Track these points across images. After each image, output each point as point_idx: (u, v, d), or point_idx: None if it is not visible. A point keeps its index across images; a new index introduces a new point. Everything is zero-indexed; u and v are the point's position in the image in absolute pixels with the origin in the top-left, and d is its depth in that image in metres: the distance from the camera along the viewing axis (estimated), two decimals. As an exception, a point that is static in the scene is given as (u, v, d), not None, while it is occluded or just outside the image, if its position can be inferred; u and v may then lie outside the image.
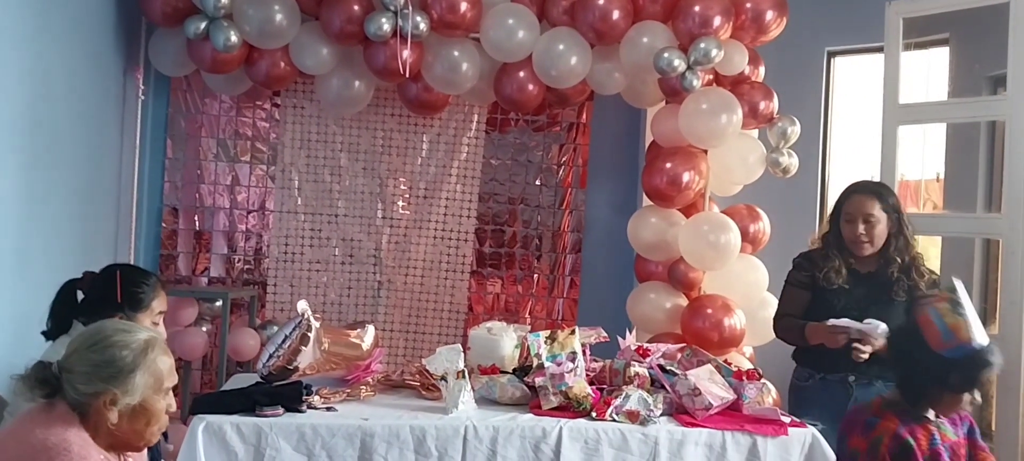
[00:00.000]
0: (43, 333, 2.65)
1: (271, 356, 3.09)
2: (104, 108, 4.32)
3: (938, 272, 3.42)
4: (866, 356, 3.05)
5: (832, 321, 3.10)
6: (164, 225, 5.04)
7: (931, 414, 2.61)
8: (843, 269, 3.24)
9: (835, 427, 3.00)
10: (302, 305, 3.13)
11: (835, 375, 3.24)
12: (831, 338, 3.11)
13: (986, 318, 4.10)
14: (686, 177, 4.14)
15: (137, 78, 4.68)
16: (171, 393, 1.99)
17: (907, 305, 3.13)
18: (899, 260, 3.20)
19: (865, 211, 3.19)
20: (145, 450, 2.07)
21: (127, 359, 1.88)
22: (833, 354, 3.15)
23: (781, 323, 3.39)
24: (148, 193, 4.93)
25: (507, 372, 3.29)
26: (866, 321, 3.05)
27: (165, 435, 2.69)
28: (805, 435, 2.99)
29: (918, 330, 2.60)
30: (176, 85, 4.97)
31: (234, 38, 4.10)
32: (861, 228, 3.19)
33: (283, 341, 3.07)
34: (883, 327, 3.01)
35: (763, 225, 4.28)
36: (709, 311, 4.07)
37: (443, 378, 3.13)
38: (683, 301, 4.28)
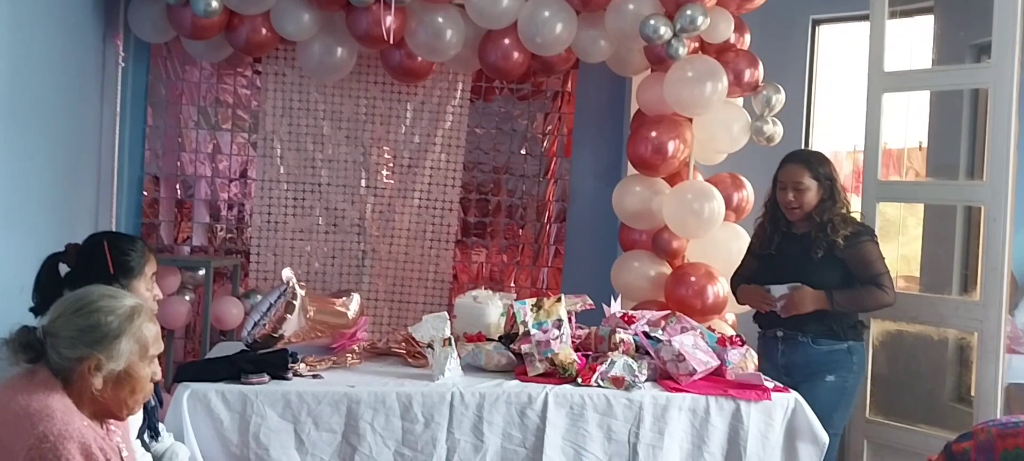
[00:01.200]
0: (31, 309, 2.62)
1: (256, 324, 3.08)
2: (84, 75, 4.26)
3: (866, 222, 3.60)
4: (765, 310, 3.45)
5: (743, 287, 3.52)
6: (145, 193, 4.99)
7: None
8: (776, 236, 3.50)
9: (773, 377, 3.19)
10: (287, 273, 3.12)
11: (769, 331, 3.52)
12: (752, 300, 3.50)
13: (967, 284, 4.15)
14: (671, 145, 4.14)
15: (117, 45, 4.62)
16: (156, 361, 1.98)
17: (825, 259, 3.35)
18: (819, 219, 3.40)
19: (794, 180, 3.42)
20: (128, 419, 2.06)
21: (112, 324, 1.86)
22: (768, 314, 3.46)
23: (731, 284, 3.72)
24: (128, 161, 4.87)
25: (493, 340, 3.30)
26: (769, 287, 3.39)
27: (160, 400, 2.68)
28: (788, 400, 3.03)
29: None
30: (156, 52, 4.90)
31: (214, 3, 4.05)
32: (790, 196, 3.42)
33: (268, 309, 3.07)
34: (782, 290, 3.34)
35: (747, 193, 4.29)
36: (693, 279, 4.09)
37: (429, 345, 3.14)
38: (667, 269, 4.30)
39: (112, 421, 1.97)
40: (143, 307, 1.94)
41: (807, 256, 3.38)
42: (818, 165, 3.42)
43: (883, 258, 3.42)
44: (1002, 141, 3.51)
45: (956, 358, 4.27)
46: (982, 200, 3.62)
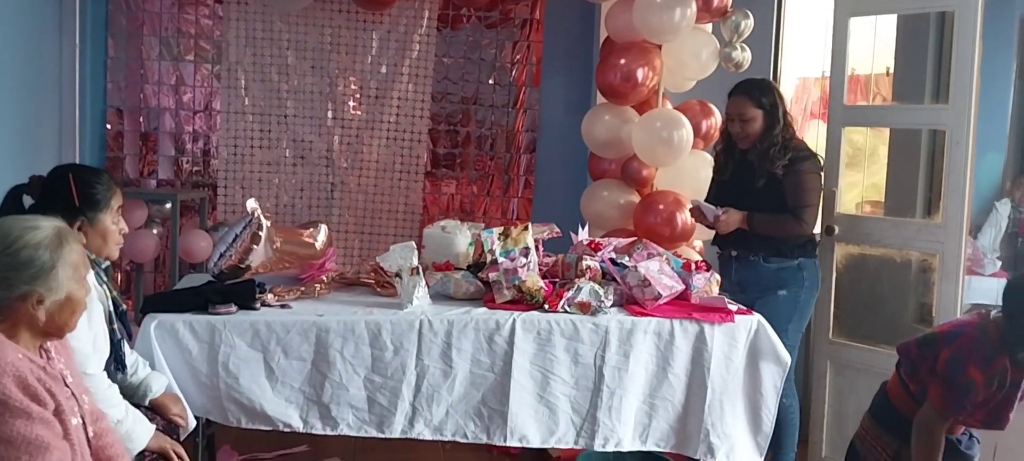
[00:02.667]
0: None
1: (222, 255, 3.07)
2: (40, 6, 4.15)
3: (815, 150, 3.67)
4: (707, 226, 3.62)
5: (693, 202, 3.66)
6: (109, 126, 4.92)
7: None
8: (730, 163, 3.65)
9: (729, 294, 3.34)
10: (251, 203, 3.10)
11: (725, 251, 3.69)
12: (695, 217, 3.68)
13: (931, 208, 4.21)
14: (640, 73, 4.12)
15: (73, -26, 4.51)
16: (86, 277, 1.97)
17: (766, 187, 3.49)
18: (760, 146, 3.52)
19: (738, 111, 3.55)
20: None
21: (45, 257, 1.84)
22: (723, 235, 3.61)
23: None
24: (90, 94, 4.79)
25: (461, 269, 3.31)
26: (699, 204, 3.59)
27: (129, 333, 2.67)
28: (751, 322, 3.08)
29: None
30: (115, -19, 4.80)
31: (173, -70, 3.95)
32: (737, 126, 3.57)
33: (233, 240, 3.05)
34: (713, 209, 3.53)
35: (715, 120, 4.29)
36: (661, 207, 4.11)
37: (397, 275, 3.15)
38: (636, 198, 4.31)
39: (53, 348, 1.96)
40: (66, 230, 1.92)
41: (750, 184, 3.53)
42: (761, 94, 3.52)
43: (817, 189, 3.55)
44: (966, 64, 3.52)
45: (918, 280, 4.33)
46: (946, 124, 3.65)
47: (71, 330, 1.97)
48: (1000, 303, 2.66)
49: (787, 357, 3.07)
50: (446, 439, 3.03)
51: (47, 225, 1.90)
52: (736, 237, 3.57)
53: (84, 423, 1.93)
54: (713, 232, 3.72)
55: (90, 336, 2.38)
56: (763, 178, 3.50)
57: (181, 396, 2.77)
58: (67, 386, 1.92)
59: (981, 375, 2.58)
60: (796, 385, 3.66)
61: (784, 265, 3.53)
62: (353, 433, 2.96)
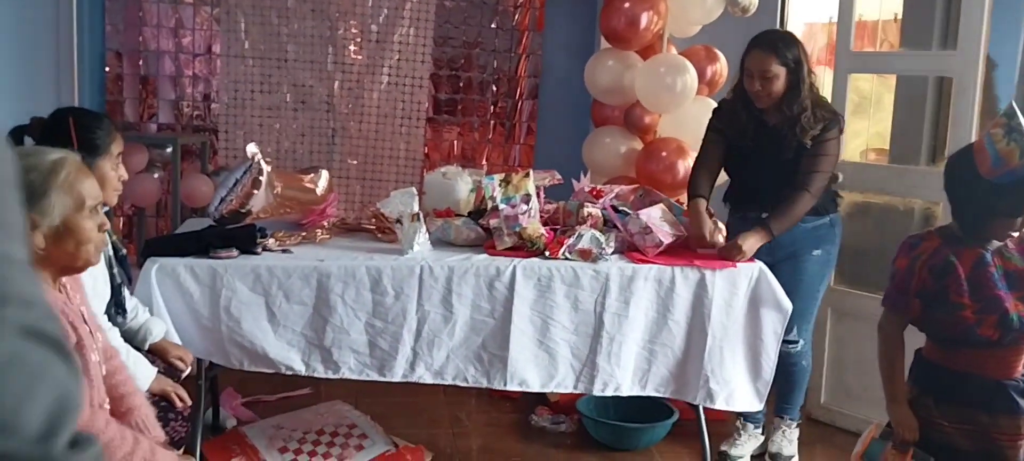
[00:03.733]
0: None
1: (223, 200, 3.06)
2: (34, -55, 4.09)
3: (838, 111, 3.42)
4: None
5: (702, 225, 3.18)
6: (108, 70, 4.88)
7: (992, 245, 2.43)
8: (750, 125, 3.28)
9: (756, 256, 3.15)
10: (252, 148, 3.08)
11: (752, 213, 3.31)
12: (694, 230, 3.19)
13: (936, 154, 4.18)
14: (644, 18, 4.07)
15: (68, -86, 4.43)
16: (100, 212, 1.94)
17: (794, 160, 3.19)
18: (788, 113, 3.20)
19: (761, 68, 3.17)
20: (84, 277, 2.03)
21: (37, 181, 1.83)
22: (751, 197, 3.33)
23: (692, 175, 3.45)
24: (89, 37, 4.74)
25: (462, 215, 3.30)
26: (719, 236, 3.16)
27: (129, 277, 2.67)
28: (752, 269, 3.07)
29: (972, 157, 2.40)
30: (111, -79, 4.72)
31: None
32: (757, 85, 3.19)
33: (234, 185, 3.04)
34: (719, 239, 3.14)
35: (721, 66, 4.25)
36: (664, 154, 4.09)
37: (398, 221, 3.14)
38: (638, 145, 4.28)
39: (69, 284, 1.95)
40: (67, 159, 1.89)
41: (778, 158, 3.23)
42: (786, 49, 3.18)
43: (835, 155, 3.28)
44: (975, 9, 3.47)
45: (921, 228, 4.32)
46: (952, 70, 3.61)
47: (87, 263, 1.94)
48: None
49: (788, 304, 3.07)
50: (447, 383, 3.05)
51: (49, 154, 1.88)
52: (765, 198, 3.25)
53: (99, 361, 1.94)
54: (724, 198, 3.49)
55: (90, 280, 2.38)
56: (791, 151, 3.20)
57: (180, 342, 2.78)
58: (86, 323, 1.93)
59: (905, 260, 2.46)
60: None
61: (819, 223, 3.33)
62: (355, 376, 2.98)
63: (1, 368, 0.65)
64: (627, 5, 4.06)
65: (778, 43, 3.22)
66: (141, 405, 2.12)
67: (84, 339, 1.87)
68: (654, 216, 3.14)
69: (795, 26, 4.59)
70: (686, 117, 4.14)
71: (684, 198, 3.92)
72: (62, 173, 1.86)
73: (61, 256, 1.88)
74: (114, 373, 2.07)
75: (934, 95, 4.28)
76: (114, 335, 2.42)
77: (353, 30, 4.92)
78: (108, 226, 1.97)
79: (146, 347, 2.69)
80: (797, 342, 3.41)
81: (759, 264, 3.10)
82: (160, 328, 2.74)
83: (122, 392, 2.09)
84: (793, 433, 3.57)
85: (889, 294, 2.52)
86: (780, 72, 3.17)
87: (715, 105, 3.59)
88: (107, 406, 1.94)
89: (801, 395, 3.57)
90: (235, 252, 2.89)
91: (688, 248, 3.19)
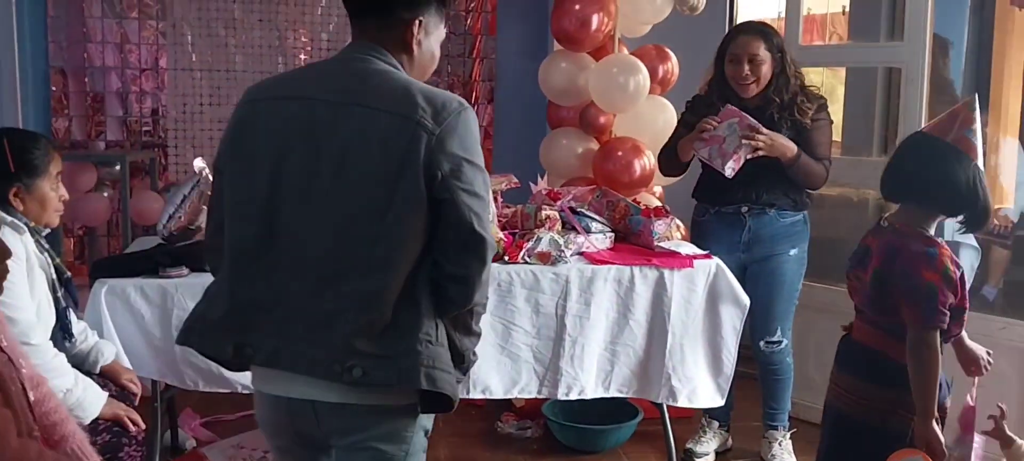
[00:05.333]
0: None
1: (171, 217, 3.00)
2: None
3: (827, 97, 3.44)
4: (763, 142, 3.11)
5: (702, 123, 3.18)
6: (53, 88, 4.77)
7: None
8: None
9: (731, 256, 3.11)
10: (199, 163, 3.03)
11: (729, 207, 3.33)
12: (696, 137, 3.20)
13: (887, 145, 4.23)
14: (595, 19, 4.06)
15: (6, -70, 4.33)
16: None
17: (793, 139, 3.20)
18: (778, 99, 3.24)
19: (750, 51, 3.20)
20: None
21: None
22: (728, 189, 3.24)
23: (662, 155, 3.49)
24: (32, 55, 4.63)
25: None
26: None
27: (75, 301, 2.61)
28: (710, 266, 3.08)
29: (961, 150, 2.22)
30: (51, -63, 4.62)
31: None
32: (746, 69, 3.21)
33: (182, 201, 2.98)
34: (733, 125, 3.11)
35: (672, 65, 4.25)
36: (619, 153, 4.08)
37: (353, 230, 3.09)
38: (595, 145, 4.28)
39: None
40: None
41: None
42: (772, 36, 3.25)
43: (832, 139, 3.36)
44: (920, 1, 3.52)
45: (876, 218, 4.37)
46: (901, 61, 3.65)
47: None
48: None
49: (746, 299, 3.08)
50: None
51: None
52: (744, 191, 3.26)
53: (24, 389, 1.87)
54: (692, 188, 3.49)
55: (33, 305, 2.32)
56: (787, 129, 3.22)
57: (130, 366, 2.72)
58: (3, 351, 1.86)
59: (934, 274, 2.19)
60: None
61: (796, 219, 3.34)
62: (313, 392, 2.92)
63: None
64: (577, 7, 4.05)
65: (765, 29, 3.28)
66: (74, 432, 2.05)
67: (1, 370, 1.80)
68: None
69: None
70: (640, 116, 4.14)
71: (642, 197, 3.94)
72: None
73: None
74: (43, 402, 2.01)
75: (884, 86, 4.33)
76: (60, 361, 2.36)
77: (303, 39, 4.86)
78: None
79: (97, 370, 2.63)
80: (780, 342, 3.40)
81: (716, 261, 3.10)
82: (111, 350, 2.67)
83: (53, 420, 2.02)
84: (788, 442, 3.50)
85: (929, 313, 2.18)
86: (767, 57, 3.21)
87: (672, 106, 3.61)
88: (37, 434, 1.87)
89: (788, 397, 3.50)
90: (185, 270, 2.83)
91: (648, 247, 3.18)
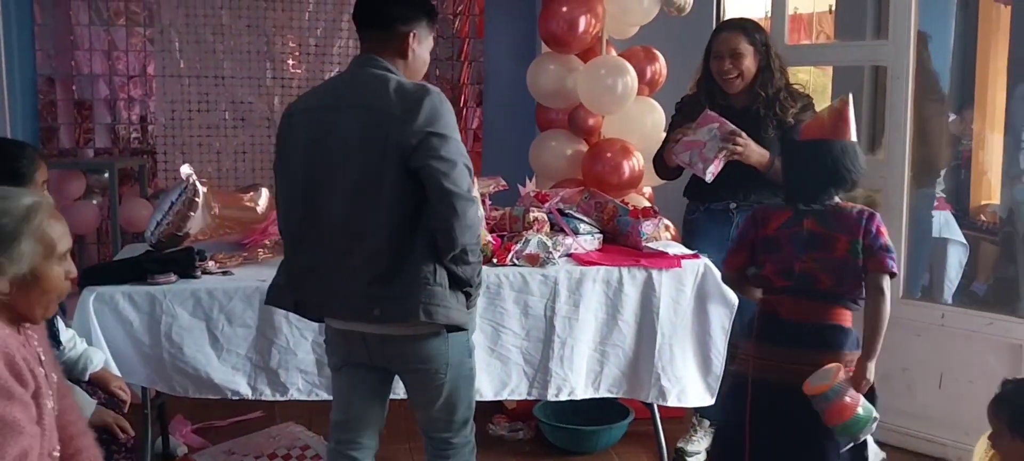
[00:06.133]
0: None
1: (158, 224, 3.00)
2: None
3: (815, 95, 3.46)
4: (742, 148, 3.15)
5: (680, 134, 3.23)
6: (41, 96, 4.76)
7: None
8: (714, 111, 3.26)
9: (721, 253, 3.12)
10: (185, 169, 3.03)
11: (718, 204, 3.35)
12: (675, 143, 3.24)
13: (875, 142, 4.25)
14: (582, 21, 4.07)
15: (-9, -62, 4.32)
16: (69, 259, 1.87)
17: (777, 138, 3.21)
18: (764, 93, 3.24)
19: (731, 46, 3.22)
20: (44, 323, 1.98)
21: (8, 226, 1.75)
22: (716, 187, 3.24)
23: (655, 159, 3.51)
24: (19, 63, 4.61)
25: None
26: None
27: (63, 309, 2.61)
28: (698, 266, 3.09)
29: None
30: (37, -56, 4.61)
31: None
32: (727, 64, 3.23)
33: (169, 208, 2.98)
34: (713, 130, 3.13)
35: (660, 66, 4.26)
36: (608, 155, 4.09)
37: (342, 234, 3.10)
38: (583, 147, 4.29)
39: (29, 325, 1.88)
40: (42, 204, 1.82)
41: (759, 136, 3.22)
42: (755, 31, 3.24)
43: None
44: (904, 0, 3.54)
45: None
46: (886, 59, 3.67)
47: (46, 313, 1.87)
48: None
49: (734, 298, 3.09)
50: (399, 398, 3.01)
51: (23, 198, 1.81)
52: (732, 189, 3.27)
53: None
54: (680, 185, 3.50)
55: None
56: (772, 129, 3.21)
57: (118, 373, 2.71)
58: (42, 366, 1.86)
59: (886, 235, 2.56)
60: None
61: None
62: (303, 398, 2.94)
63: None
64: (565, 9, 4.06)
65: (747, 24, 3.29)
66: (89, 446, 2.05)
67: (41, 385, 1.80)
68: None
69: (732, 22, 4.63)
70: (629, 117, 4.15)
71: (631, 198, 3.95)
72: (36, 219, 1.78)
73: (23, 304, 1.80)
74: (66, 412, 2.00)
75: (871, 83, 4.35)
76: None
77: (291, 44, 4.86)
78: (74, 274, 1.89)
79: (86, 378, 2.63)
80: None
81: (704, 260, 3.12)
82: (100, 358, 2.67)
83: (71, 433, 2.01)
84: None
85: (892, 263, 2.49)
86: (748, 51, 3.22)
87: (661, 107, 3.60)
88: (57, 453, 1.87)
89: None
90: (173, 277, 2.83)
91: (636, 248, 3.19)
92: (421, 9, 2.34)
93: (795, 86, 3.34)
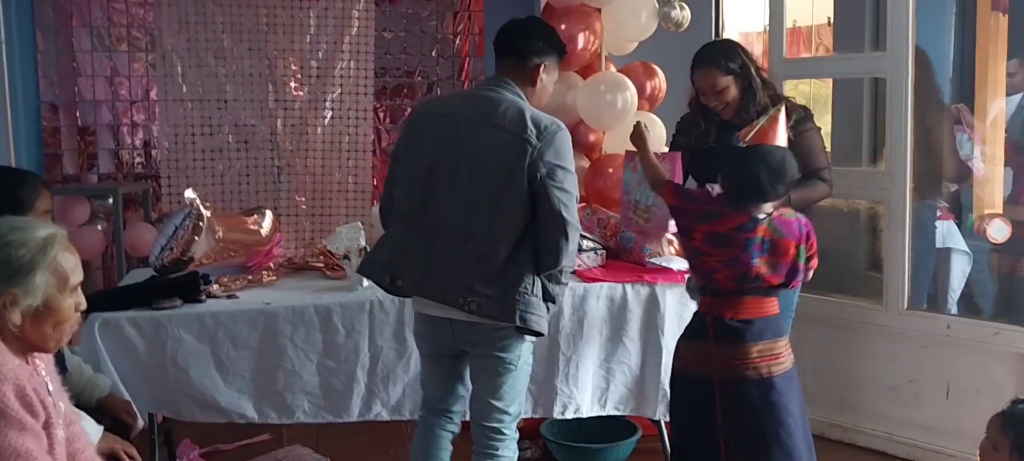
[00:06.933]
0: None
1: (163, 249, 3.01)
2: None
3: (817, 107, 3.45)
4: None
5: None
6: (44, 123, 4.78)
7: (764, 211, 2.67)
8: (712, 128, 3.25)
9: None
10: (189, 194, 3.04)
11: None
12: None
13: (876, 154, 4.25)
14: (581, 38, 4.09)
15: (-6, -32, 4.36)
16: (79, 291, 1.88)
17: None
18: (751, 112, 3.16)
19: (709, 84, 3.16)
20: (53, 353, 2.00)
21: (25, 257, 1.76)
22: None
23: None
24: (22, 90, 4.64)
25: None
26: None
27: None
28: (702, 281, 3.08)
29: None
30: (39, -27, 4.64)
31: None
32: (712, 100, 3.19)
33: (174, 232, 2.99)
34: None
35: (659, 81, 4.28)
36: (610, 170, 4.09)
37: (346, 256, 3.11)
38: (585, 163, 4.29)
39: (38, 356, 1.89)
40: (57, 236, 1.84)
41: None
42: (727, 60, 3.17)
43: (824, 147, 3.30)
44: (901, 10, 3.55)
45: (867, 228, 4.39)
46: (884, 71, 3.68)
47: (57, 344, 1.89)
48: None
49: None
50: (405, 418, 3.01)
51: (39, 230, 1.83)
52: None
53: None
54: None
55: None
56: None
57: (128, 397, 2.72)
58: (51, 395, 1.87)
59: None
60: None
61: None
62: (309, 420, 2.94)
63: None
64: (563, 27, 4.07)
65: (717, 56, 3.20)
66: None
67: (52, 415, 1.81)
68: None
69: (730, 37, 4.65)
70: (630, 132, 4.16)
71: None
72: (52, 251, 1.80)
73: (35, 335, 1.81)
74: (74, 440, 2.01)
75: (870, 95, 4.36)
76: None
77: (293, 67, 4.88)
78: (84, 306, 1.91)
79: (93, 404, 2.63)
80: None
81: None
82: (106, 384, 2.67)
83: (80, 460, 2.02)
84: None
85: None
86: (728, 82, 3.15)
87: (661, 122, 3.59)
88: None
89: None
90: (178, 302, 2.84)
91: (640, 264, 3.19)
92: (554, 45, 2.69)
93: (788, 99, 3.29)
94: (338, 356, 2.90)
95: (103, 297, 2.98)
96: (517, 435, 2.64)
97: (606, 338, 3.05)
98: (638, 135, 3.02)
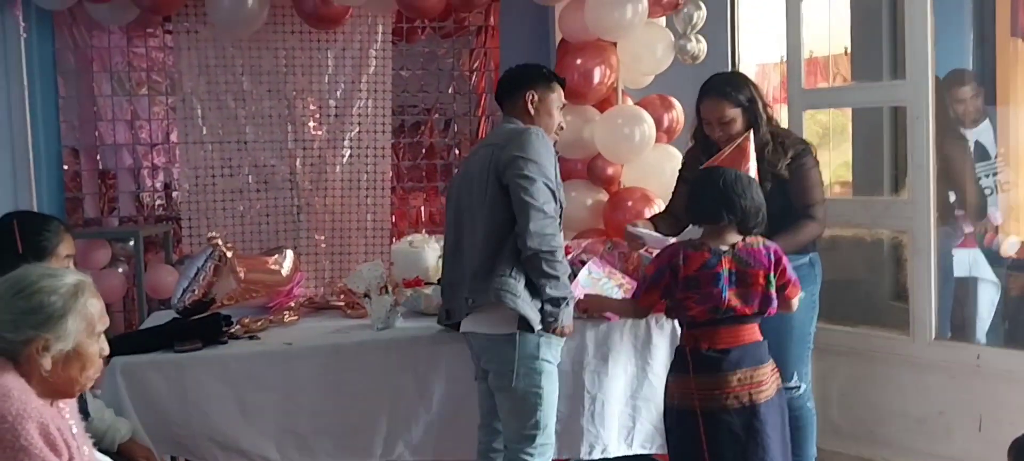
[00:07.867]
0: None
1: (185, 291, 3.01)
2: (-18, 50, 4.07)
3: (808, 141, 3.37)
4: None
5: (629, 229, 3.23)
6: (66, 167, 4.83)
7: (726, 243, 2.71)
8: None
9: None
10: (211, 235, 3.04)
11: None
12: (631, 243, 3.23)
13: (898, 184, 4.22)
14: (597, 72, 4.10)
15: (16, 15, 4.41)
16: (103, 337, 1.94)
17: (773, 190, 3.08)
18: (757, 149, 3.08)
19: (717, 114, 3.14)
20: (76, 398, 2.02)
21: (57, 305, 1.82)
22: None
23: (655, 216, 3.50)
24: (44, 136, 4.68)
25: (432, 283, 3.27)
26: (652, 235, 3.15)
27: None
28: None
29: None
30: (60, 20, 4.69)
31: (114, -38, 3.87)
32: (718, 132, 3.16)
33: (196, 274, 2.99)
34: (670, 241, 3.00)
35: (676, 113, 4.27)
36: (629, 203, 4.08)
37: (366, 295, 3.10)
38: (604, 196, 4.28)
39: (62, 399, 1.93)
40: (86, 283, 1.91)
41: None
42: (736, 92, 3.15)
43: (820, 182, 3.25)
44: (920, 38, 3.53)
45: (891, 257, 4.35)
46: (904, 99, 3.65)
47: (82, 388, 1.94)
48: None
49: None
50: (429, 459, 2.98)
51: (69, 277, 1.89)
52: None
53: None
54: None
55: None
56: (768, 181, 3.07)
57: (149, 444, 2.71)
58: (74, 438, 1.89)
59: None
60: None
61: (799, 263, 3.09)
62: (333, 461, 2.91)
63: None
64: (579, 61, 4.09)
65: (726, 87, 3.18)
66: None
67: (74, 456, 1.83)
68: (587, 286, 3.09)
69: (747, 68, 4.65)
70: (648, 165, 4.15)
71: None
72: (82, 298, 1.86)
73: (63, 380, 1.86)
74: None
75: (891, 124, 4.33)
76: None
77: (311, 106, 4.91)
78: (107, 351, 1.96)
79: (115, 448, 2.62)
80: (798, 387, 3.28)
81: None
82: (127, 427, 2.67)
83: None
84: None
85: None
86: (736, 115, 3.14)
87: (680, 154, 3.57)
88: None
89: (812, 443, 3.36)
90: (199, 344, 2.83)
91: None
92: (539, 75, 2.92)
93: (786, 133, 3.26)
94: (360, 396, 2.88)
95: (124, 340, 2.98)
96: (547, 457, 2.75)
97: (631, 375, 3.02)
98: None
